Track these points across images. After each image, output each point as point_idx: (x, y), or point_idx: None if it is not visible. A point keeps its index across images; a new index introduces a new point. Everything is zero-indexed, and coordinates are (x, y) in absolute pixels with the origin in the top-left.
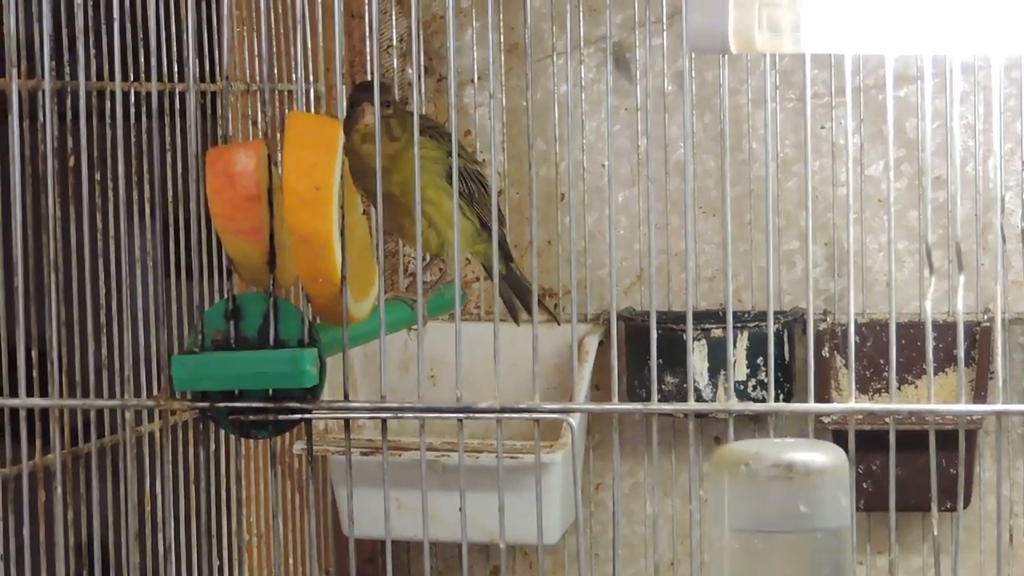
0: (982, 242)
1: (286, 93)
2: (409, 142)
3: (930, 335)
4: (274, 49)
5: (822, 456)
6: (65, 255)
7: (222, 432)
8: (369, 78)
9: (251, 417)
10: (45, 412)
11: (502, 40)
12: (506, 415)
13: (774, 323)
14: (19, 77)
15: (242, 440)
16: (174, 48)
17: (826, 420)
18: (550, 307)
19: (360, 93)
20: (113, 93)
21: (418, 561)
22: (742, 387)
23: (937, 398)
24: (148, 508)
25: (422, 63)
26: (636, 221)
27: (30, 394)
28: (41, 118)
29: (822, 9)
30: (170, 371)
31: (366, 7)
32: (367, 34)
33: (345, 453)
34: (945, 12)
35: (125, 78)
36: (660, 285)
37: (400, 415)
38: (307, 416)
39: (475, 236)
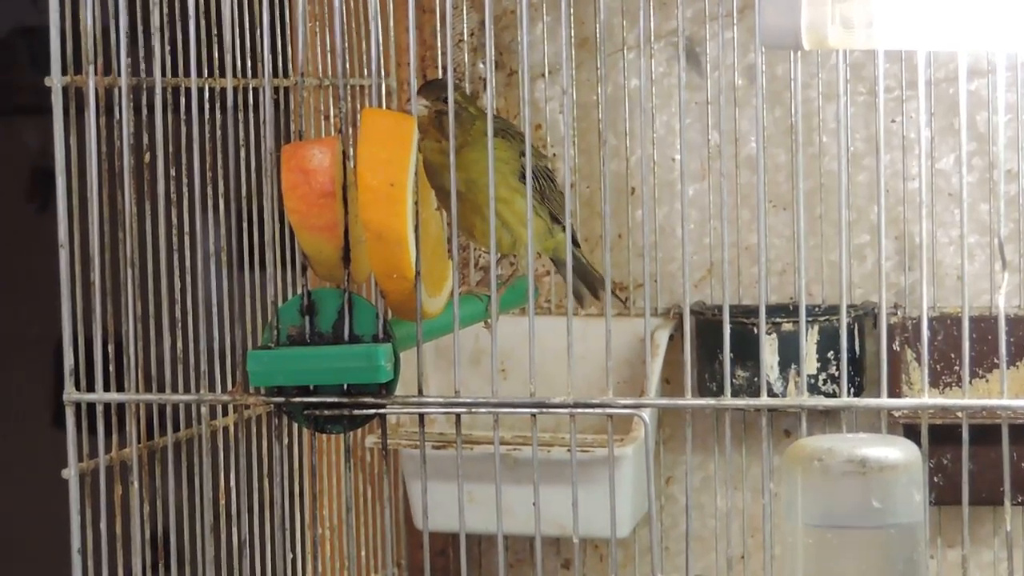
0: None
1: (357, 88)
2: (470, 141)
3: (1003, 329)
4: (346, 44)
5: (896, 451)
6: (141, 251)
7: (296, 426)
8: (441, 73)
9: (326, 412)
10: (122, 407)
11: (572, 34)
12: (580, 410)
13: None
14: (96, 74)
15: (316, 434)
16: (247, 44)
17: (896, 414)
18: (621, 299)
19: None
20: (188, 89)
21: (489, 554)
22: (813, 381)
23: (1009, 392)
24: (223, 502)
25: (493, 57)
26: (706, 215)
27: (107, 389)
28: (117, 114)
29: (895, 4)
30: (245, 366)
31: (437, 2)
32: (438, 28)
33: (420, 447)
34: (1019, 6)
35: (200, 74)
36: (730, 279)
37: (474, 410)
38: (382, 411)
39: (547, 233)
